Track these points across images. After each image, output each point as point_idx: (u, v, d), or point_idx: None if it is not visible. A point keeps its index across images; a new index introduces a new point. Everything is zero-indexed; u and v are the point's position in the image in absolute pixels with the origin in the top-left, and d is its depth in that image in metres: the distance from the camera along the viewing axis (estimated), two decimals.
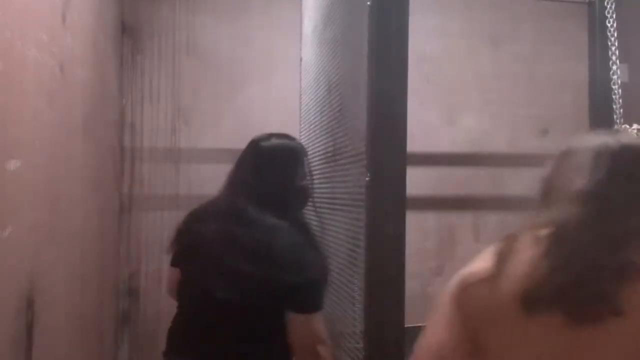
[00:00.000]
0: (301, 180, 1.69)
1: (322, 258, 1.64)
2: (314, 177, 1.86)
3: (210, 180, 2.82)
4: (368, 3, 1.34)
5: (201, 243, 1.63)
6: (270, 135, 1.73)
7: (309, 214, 1.87)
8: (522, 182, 3.15)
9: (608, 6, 1.88)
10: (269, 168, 1.67)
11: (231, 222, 1.59)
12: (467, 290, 1.04)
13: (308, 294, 1.54)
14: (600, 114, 2.06)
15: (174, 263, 1.77)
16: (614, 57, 1.82)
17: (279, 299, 1.52)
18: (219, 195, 1.72)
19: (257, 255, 1.52)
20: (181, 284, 1.70)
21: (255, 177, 1.65)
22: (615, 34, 1.86)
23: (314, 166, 2.14)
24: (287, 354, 1.57)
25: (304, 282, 1.52)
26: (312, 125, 2.22)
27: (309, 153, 2.04)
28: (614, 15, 1.87)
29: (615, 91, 1.79)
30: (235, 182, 1.70)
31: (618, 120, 1.81)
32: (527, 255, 0.93)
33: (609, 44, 1.86)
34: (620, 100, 1.78)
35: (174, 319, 1.71)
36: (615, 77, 1.79)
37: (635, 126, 1.42)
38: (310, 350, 1.52)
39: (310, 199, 1.77)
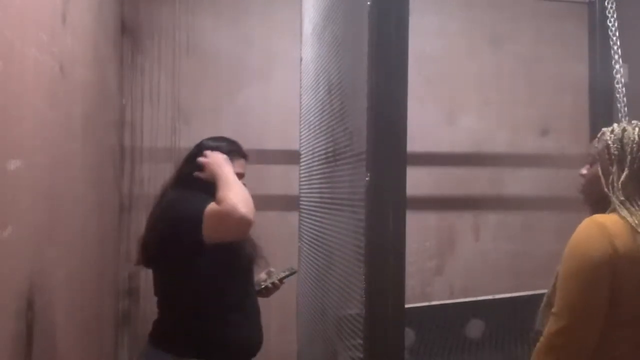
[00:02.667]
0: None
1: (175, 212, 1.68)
2: (316, 177, 1.91)
3: None
4: (368, 3, 1.34)
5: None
6: (212, 138, 1.91)
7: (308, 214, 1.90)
8: (522, 182, 3.16)
9: (609, 6, 1.88)
10: (185, 161, 1.84)
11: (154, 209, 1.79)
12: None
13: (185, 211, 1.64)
14: (600, 114, 2.06)
15: None
16: (616, 57, 1.82)
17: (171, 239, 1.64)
18: None
19: (154, 232, 1.71)
20: None
21: (182, 171, 1.83)
22: (617, 34, 1.85)
23: (314, 166, 2.14)
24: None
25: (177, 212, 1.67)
26: (312, 125, 2.22)
27: (309, 153, 2.06)
28: (615, 15, 1.87)
29: (620, 90, 1.78)
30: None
31: (623, 120, 1.80)
32: None
33: (611, 43, 1.86)
34: (625, 99, 1.78)
35: None
36: (618, 76, 1.79)
37: None
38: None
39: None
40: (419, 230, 3.05)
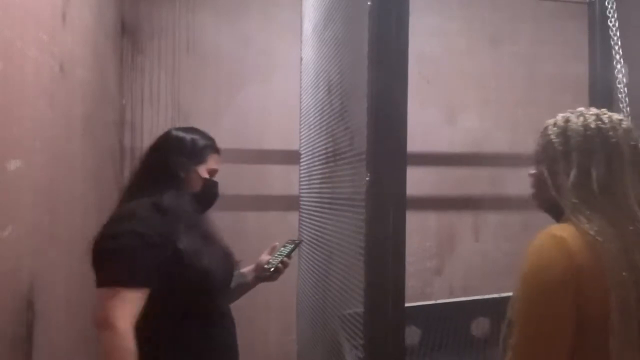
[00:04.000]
0: (188, 168, 1.57)
1: (130, 232, 1.37)
2: (316, 177, 1.84)
3: None
4: (368, 3, 1.34)
5: None
6: (182, 128, 1.67)
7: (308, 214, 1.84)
8: (522, 182, 3.15)
9: (609, 6, 1.88)
10: (161, 153, 1.59)
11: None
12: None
13: (97, 263, 1.36)
14: None
15: None
16: (617, 57, 1.82)
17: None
18: None
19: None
20: None
21: (146, 162, 1.59)
22: (617, 34, 1.85)
23: (314, 166, 2.14)
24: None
25: (93, 253, 1.37)
26: (312, 125, 2.22)
27: (309, 153, 2.02)
28: (615, 15, 1.87)
29: (620, 90, 1.78)
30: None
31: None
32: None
33: (612, 43, 1.85)
34: (627, 99, 1.78)
35: None
36: (620, 76, 1.78)
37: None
38: (98, 331, 1.29)
39: (212, 193, 1.64)
40: (419, 230, 3.05)
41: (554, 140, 1.18)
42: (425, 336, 2.11)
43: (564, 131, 1.17)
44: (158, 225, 1.39)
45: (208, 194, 1.61)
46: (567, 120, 1.18)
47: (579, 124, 1.15)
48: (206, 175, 1.60)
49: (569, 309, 1.01)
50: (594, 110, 1.19)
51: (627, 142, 1.12)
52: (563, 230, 1.07)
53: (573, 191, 1.10)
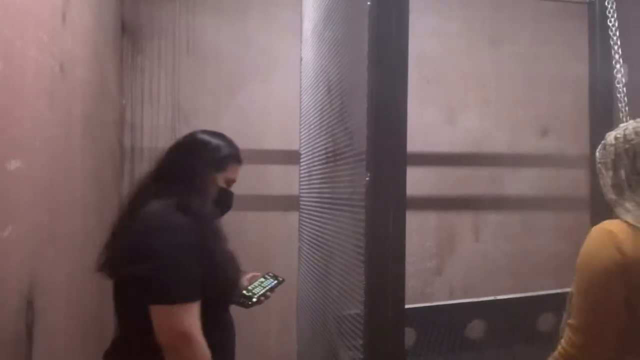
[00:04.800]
0: (212, 177, 1.55)
1: (180, 246, 1.36)
2: (316, 177, 1.84)
3: None
4: (368, 3, 1.34)
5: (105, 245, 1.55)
6: (209, 132, 1.65)
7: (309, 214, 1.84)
8: (522, 182, 3.16)
9: (609, 6, 1.88)
10: (183, 155, 1.56)
11: (122, 216, 1.53)
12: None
13: (159, 282, 1.32)
14: (600, 114, 2.05)
15: None
16: (617, 57, 1.82)
17: (136, 288, 1.35)
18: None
19: (122, 247, 1.42)
20: None
21: (166, 161, 1.56)
22: (617, 34, 1.85)
23: (314, 166, 2.14)
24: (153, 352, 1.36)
25: (155, 267, 1.32)
26: (312, 125, 2.22)
27: (309, 153, 2.02)
28: (615, 15, 1.87)
29: (620, 90, 1.78)
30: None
31: (624, 119, 1.80)
32: None
33: (611, 43, 1.85)
34: (626, 99, 1.78)
35: None
36: (619, 76, 1.78)
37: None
38: (170, 347, 1.30)
39: (227, 204, 1.61)
40: (419, 230, 3.05)
41: (598, 152, 1.38)
42: (421, 338, 2.11)
43: (604, 143, 1.37)
44: (199, 236, 1.39)
45: (221, 204, 1.58)
46: (608, 135, 1.37)
47: (612, 136, 1.35)
48: (223, 185, 1.58)
49: (617, 294, 1.18)
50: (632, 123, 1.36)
51: None
52: (612, 224, 1.24)
53: (613, 189, 1.30)
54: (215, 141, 1.59)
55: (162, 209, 1.41)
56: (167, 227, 1.38)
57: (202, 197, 1.47)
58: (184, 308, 1.31)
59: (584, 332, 1.20)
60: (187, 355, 1.30)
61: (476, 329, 2.20)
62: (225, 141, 1.63)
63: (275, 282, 1.79)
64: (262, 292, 1.72)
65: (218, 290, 1.43)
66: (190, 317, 1.31)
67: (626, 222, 1.23)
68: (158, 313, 1.31)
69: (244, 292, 1.70)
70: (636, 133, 1.31)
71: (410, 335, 2.07)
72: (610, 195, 1.30)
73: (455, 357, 2.16)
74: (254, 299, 1.68)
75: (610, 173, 1.31)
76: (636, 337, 1.20)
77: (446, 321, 2.18)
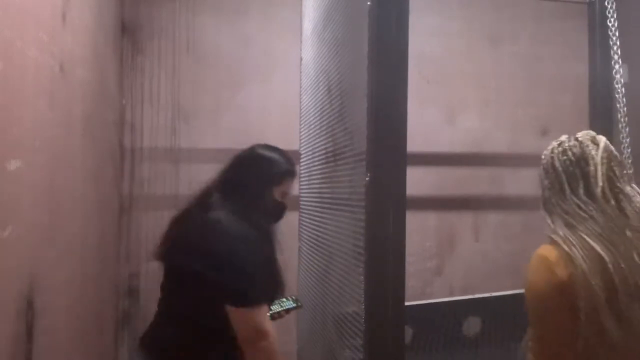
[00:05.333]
0: (272, 192, 1.71)
1: (261, 258, 1.59)
2: (316, 177, 1.87)
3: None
4: (368, 3, 1.34)
5: (167, 230, 1.71)
6: (269, 147, 1.78)
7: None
8: (522, 182, 3.15)
9: (609, 6, 1.88)
10: (244, 170, 1.72)
11: (190, 211, 1.68)
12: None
13: (241, 288, 1.53)
14: (600, 114, 2.06)
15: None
16: (616, 57, 1.82)
17: (215, 292, 1.53)
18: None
19: (196, 244, 1.58)
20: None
21: (230, 174, 1.71)
22: (617, 34, 1.85)
23: (314, 166, 2.14)
24: (234, 347, 1.56)
25: (237, 276, 1.52)
26: (312, 125, 2.22)
27: (309, 153, 2.04)
28: (615, 15, 1.87)
29: (619, 90, 1.78)
30: (216, 177, 1.75)
31: (622, 120, 1.80)
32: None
33: (611, 43, 1.85)
34: (624, 100, 1.78)
35: None
36: (618, 76, 1.78)
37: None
38: (251, 345, 1.53)
39: (279, 216, 1.77)
40: (419, 230, 3.05)
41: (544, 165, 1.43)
42: (417, 336, 2.11)
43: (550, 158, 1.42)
44: (263, 246, 1.61)
45: (276, 216, 1.75)
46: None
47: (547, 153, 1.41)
48: (278, 198, 1.72)
49: (560, 313, 1.18)
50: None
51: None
52: (544, 248, 1.27)
53: (544, 207, 1.39)
54: (274, 157, 1.74)
55: (234, 220, 1.58)
56: (243, 238, 1.56)
57: (262, 209, 1.65)
58: (260, 309, 1.54)
59: (540, 344, 1.21)
60: (265, 348, 1.52)
61: (473, 325, 2.21)
62: (282, 156, 1.76)
63: (294, 305, 1.94)
64: (278, 310, 1.89)
65: (267, 296, 1.64)
66: (265, 316, 1.55)
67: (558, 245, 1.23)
68: (240, 314, 1.52)
69: None
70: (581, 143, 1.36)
71: (406, 333, 2.08)
72: (544, 214, 1.36)
73: (452, 354, 2.16)
74: (268, 314, 1.79)
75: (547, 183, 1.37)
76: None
77: (443, 318, 2.19)
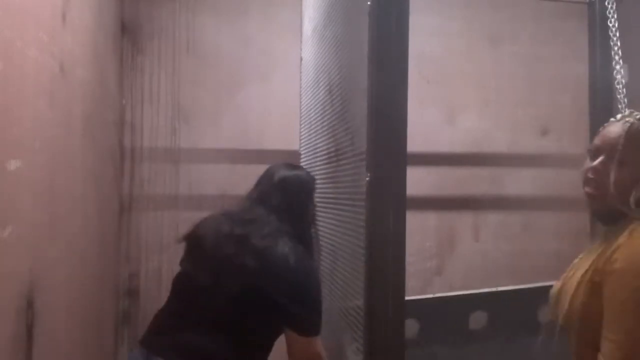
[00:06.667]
0: (309, 207, 1.80)
1: (318, 283, 1.66)
2: (316, 177, 1.89)
3: (210, 180, 2.83)
4: (368, 3, 1.34)
5: (209, 239, 1.68)
6: (292, 166, 1.87)
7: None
8: (522, 182, 3.16)
9: (609, 6, 1.88)
10: (291, 193, 1.74)
11: (242, 227, 1.65)
12: None
13: (309, 317, 1.57)
14: (600, 114, 2.05)
15: (181, 261, 1.76)
16: (617, 57, 1.82)
17: (273, 314, 1.56)
18: (238, 207, 1.78)
19: (260, 264, 1.56)
20: (178, 278, 1.72)
21: (277, 198, 1.72)
22: (617, 34, 1.85)
23: (315, 166, 2.14)
24: None
25: (305, 304, 1.56)
26: (312, 125, 2.22)
27: (309, 153, 2.05)
28: (615, 15, 1.87)
29: (620, 90, 1.78)
30: (256, 199, 1.76)
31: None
32: None
33: (611, 43, 1.85)
34: (626, 100, 1.78)
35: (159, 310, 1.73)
36: (619, 76, 1.78)
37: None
38: None
39: (315, 224, 1.87)
40: (419, 230, 3.05)
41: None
42: (424, 329, 2.12)
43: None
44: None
45: (312, 225, 1.84)
46: None
47: None
48: (313, 212, 1.82)
49: None
50: None
51: None
52: None
53: None
54: (305, 176, 1.83)
55: (295, 247, 1.61)
56: (311, 268, 1.64)
57: (309, 226, 1.76)
58: (319, 338, 1.58)
59: (626, 349, 1.05)
60: None
61: (479, 320, 2.22)
62: (305, 172, 1.88)
63: None
64: None
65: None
66: (320, 344, 1.59)
67: None
68: (303, 342, 1.56)
69: None
70: None
71: (412, 327, 2.09)
72: None
73: (458, 348, 2.17)
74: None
75: None
76: None
77: (449, 312, 2.21)
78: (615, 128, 1.22)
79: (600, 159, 1.20)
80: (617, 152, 1.16)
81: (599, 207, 1.21)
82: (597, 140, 1.25)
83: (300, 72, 2.59)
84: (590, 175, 1.21)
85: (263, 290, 1.54)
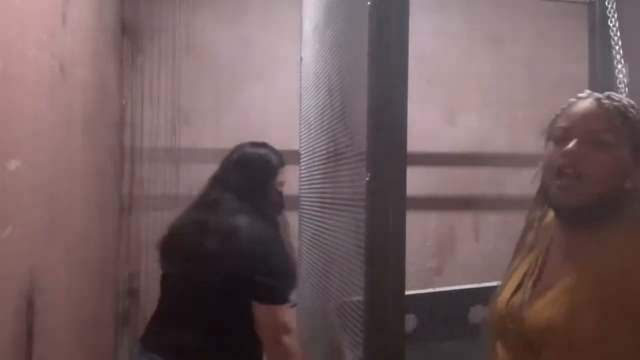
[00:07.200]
0: (274, 185, 1.81)
1: (286, 254, 1.69)
2: (316, 177, 1.90)
3: None
4: (368, 3, 1.34)
5: (176, 234, 1.74)
6: (256, 144, 1.88)
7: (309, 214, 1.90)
8: (522, 182, 3.15)
9: (609, 6, 1.88)
10: (249, 170, 1.77)
11: (203, 214, 1.70)
12: None
13: (271, 286, 1.59)
14: None
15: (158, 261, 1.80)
16: (617, 57, 1.81)
17: (242, 290, 1.58)
18: (202, 189, 1.81)
19: (221, 246, 1.59)
20: (162, 277, 1.77)
21: (235, 177, 1.75)
22: (618, 34, 1.85)
23: (314, 166, 2.14)
24: (254, 344, 1.64)
25: (267, 274, 1.58)
26: (312, 125, 2.22)
27: (309, 153, 2.05)
28: (615, 15, 1.87)
29: (620, 90, 1.78)
30: (216, 180, 1.80)
31: None
32: None
33: (612, 43, 1.85)
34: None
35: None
36: (621, 76, 1.78)
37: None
38: (275, 340, 1.59)
39: (282, 204, 1.86)
40: (419, 230, 3.05)
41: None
42: (422, 323, 2.12)
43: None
44: (283, 242, 1.72)
45: (280, 206, 1.84)
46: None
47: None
48: (278, 188, 1.82)
49: None
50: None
51: None
52: None
53: None
54: (267, 153, 1.83)
55: (256, 220, 1.65)
56: (270, 238, 1.65)
57: (271, 204, 1.75)
58: (285, 306, 1.60)
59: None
60: (288, 344, 1.59)
61: (478, 314, 2.22)
62: (271, 150, 1.85)
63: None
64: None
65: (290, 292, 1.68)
66: (289, 312, 1.61)
67: None
68: (268, 311, 1.58)
69: None
70: None
71: (410, 321, 2.09)
72: None
73: (457, 342, 2.17)
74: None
75: None
76: None
77: (448, 307, 2.21)
78: (586, 105, 1.05)
79: (572, 142, 1.00)
80: (598, 133, 0.98)
81: (578, 203, 0.98)
82: (562, 122, 1.07)
83: (300, 72, 2.59)
84: (563, 162, 1.00)
85: (229, 270, 1.57)
